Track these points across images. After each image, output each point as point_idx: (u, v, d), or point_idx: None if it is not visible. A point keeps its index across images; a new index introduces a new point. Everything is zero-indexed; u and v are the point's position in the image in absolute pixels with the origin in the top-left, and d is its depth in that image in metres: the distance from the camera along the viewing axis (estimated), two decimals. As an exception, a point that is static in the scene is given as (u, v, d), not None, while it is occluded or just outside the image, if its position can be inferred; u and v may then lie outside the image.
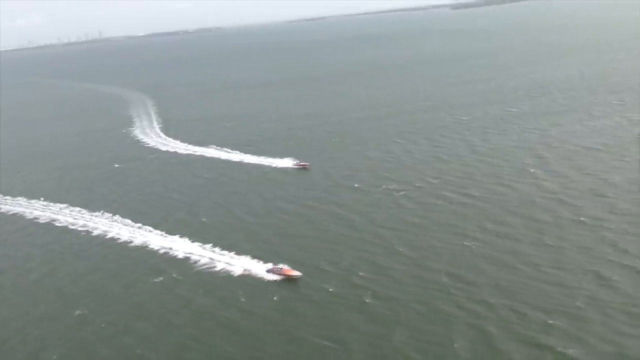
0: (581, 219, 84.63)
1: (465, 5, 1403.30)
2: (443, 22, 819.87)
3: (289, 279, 74.22)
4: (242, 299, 71.13)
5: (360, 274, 74.31)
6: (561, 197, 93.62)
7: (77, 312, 72.54)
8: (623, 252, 72.70)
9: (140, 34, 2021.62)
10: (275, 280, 74.60)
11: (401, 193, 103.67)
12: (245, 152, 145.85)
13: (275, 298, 70.65)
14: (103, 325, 68.41)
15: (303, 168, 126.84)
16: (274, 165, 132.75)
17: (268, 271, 76.05)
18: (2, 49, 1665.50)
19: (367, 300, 67.59)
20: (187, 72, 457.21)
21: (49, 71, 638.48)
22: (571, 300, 63.31)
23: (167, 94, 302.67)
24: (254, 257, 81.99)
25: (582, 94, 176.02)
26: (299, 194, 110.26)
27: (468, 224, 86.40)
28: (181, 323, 67.40)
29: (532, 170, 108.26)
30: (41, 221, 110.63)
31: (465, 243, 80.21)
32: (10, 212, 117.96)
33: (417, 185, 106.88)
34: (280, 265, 76.24)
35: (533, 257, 73.83)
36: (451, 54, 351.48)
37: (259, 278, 75.97)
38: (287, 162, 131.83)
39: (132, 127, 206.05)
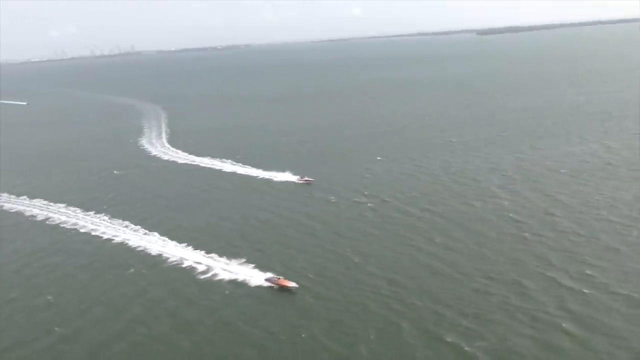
0: (524, 234, 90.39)
1: (492, 32, 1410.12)
2: (465, 47, 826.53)
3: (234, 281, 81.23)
4: (194, 291, 78.39)
5: (310, 276, 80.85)
6: (513, 215, 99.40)
7: (49, 297, 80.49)
8: (549, 265, 78.39)
9: (172, 49, 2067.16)
10: (222, 279, 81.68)
11: (368, 205, 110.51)
12: (247, 165, 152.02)
13: (227, 292, 77.66)
14: (65, 309, 76.12)
15: (307, 183, 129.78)
16: (275, 179, 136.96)
17: (267, 280, 79.28)
18: (35, 60, 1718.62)
19: (307, 299, 74.10)
20: (205, 85, 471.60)
21: (74, 82, 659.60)
22: (487, 304, 69.25)
23: (182, 106, 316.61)
24: (210, 252, 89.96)
25: (571, 121, 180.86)
26: (278, 203, 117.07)
27: (418, 236, 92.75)
28: (133, 310, 74.77)
29: (495, 190, 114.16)
30: (38, 219, 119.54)
31: (410, 252, 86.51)
32: (13, 210, 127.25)
33: (385, 199, 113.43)
34: (272, 275, 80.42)
35: (466, 267, 79.80)
36: (460, 77, 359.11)
37: (214, 277, 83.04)
38: (291, 177, 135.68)
39: (141, 136, 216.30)
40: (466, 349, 60.55)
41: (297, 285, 76.35)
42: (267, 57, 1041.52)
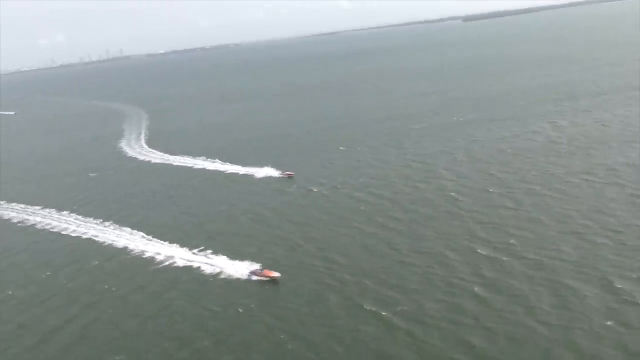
0: (459, 211, 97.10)
1: (478, 17, 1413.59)
2: (448, 35, 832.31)
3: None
4: (144, 278, 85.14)
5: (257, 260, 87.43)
6: (453, 194, 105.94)
7: (9, 292, 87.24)
8: (475, 237, 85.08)
9: (161, 51, 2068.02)
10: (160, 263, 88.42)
11: (315, 191, 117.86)
12: (228, 162, 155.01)
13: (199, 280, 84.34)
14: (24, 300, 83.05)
15: (288, 177, 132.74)
16: (256, 174, 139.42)
17: (252, 273, 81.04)
18: (25, 69, 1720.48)
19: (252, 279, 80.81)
20: (190, 86, 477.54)
21: (63, 90, 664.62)
22: (410, 275, 75.85)
23: (165, 107, 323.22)
24: (172, 242, 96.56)
25: (530, 103, 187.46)
26: (254, 198, 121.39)
27: (361, 218, 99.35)
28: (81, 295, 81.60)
29: (441, 171, 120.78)
30: (13, 221, 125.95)
31: (351, 233, 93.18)
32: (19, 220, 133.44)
33: (336, 186, 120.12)
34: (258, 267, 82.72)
35: (399, 244, 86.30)
36: (435, 65, 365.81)
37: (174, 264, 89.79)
38: (273, 172, 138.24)
39: (121, 139, 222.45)
40: (384, 314, 67.00)
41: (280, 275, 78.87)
42: (256, 55, 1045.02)
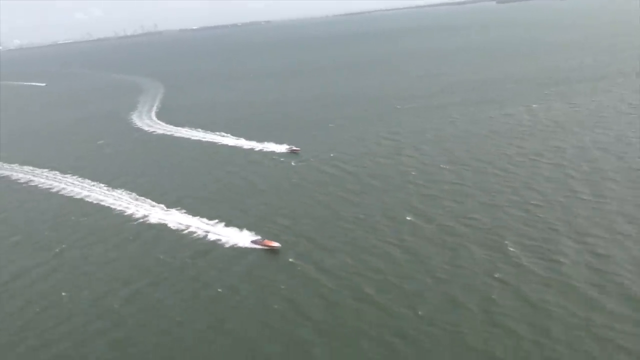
0: (409, 185, 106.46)
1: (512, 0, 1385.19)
2: (480, 16, 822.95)
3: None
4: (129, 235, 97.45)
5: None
6: (409, 169, 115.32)
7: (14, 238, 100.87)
8: (412, 208, 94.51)
9: (193, 27, 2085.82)
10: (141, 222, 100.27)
11: (292, 163, 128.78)
12: (237, 136, 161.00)
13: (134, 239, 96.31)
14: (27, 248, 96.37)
15: (294, 152, 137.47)
16: (265, 149, 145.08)
17: (253, 242, 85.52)
18: (62, 42, 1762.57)
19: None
20: (211, 63, 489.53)
21: (94, 63, 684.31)
22: (341, 236, 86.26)
23: (184, 83, 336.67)
24: (170, 207, 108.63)
25: (522, 87, 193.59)
26: (259, 170, 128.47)
27: (322, 188, 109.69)
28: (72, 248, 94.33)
29: (406, 150, 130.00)
30: (20, 181, 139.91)
31: (310, 202, 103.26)
32: (2, 175, 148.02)
33: (309, 159, 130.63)
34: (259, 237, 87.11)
35: (345, 212, 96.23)
36: (460, 47, 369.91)
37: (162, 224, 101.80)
38: (280, 147, 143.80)
39: (133, 111, 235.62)
40: (303, 267, 77.66)
41: (280, 245, 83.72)
42: (283, 32, 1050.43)
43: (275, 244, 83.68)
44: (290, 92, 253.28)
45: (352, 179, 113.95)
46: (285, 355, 59.18)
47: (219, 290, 73.52)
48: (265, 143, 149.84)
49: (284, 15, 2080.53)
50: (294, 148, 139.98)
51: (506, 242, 78.30)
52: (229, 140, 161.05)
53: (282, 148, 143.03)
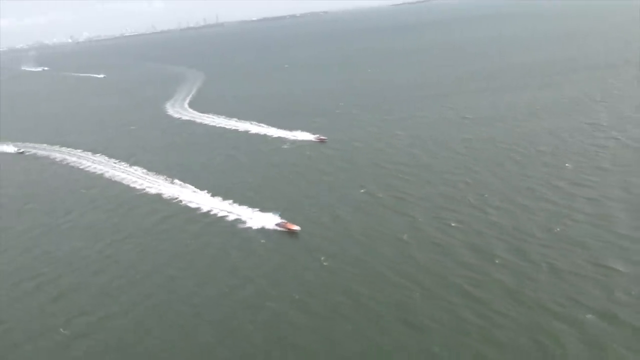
0: (379, 163, 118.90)
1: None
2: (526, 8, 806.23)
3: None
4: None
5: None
6: (387, 149, 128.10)
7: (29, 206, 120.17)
8: (373, 182, 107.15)
9: (254, 19, 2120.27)
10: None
11: (284, 146, 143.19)
12: (269, 125, 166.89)
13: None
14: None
15: (321, 141, 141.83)
16: (294, 137, 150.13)
17: (277, 225, 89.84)
18: (128, 34, 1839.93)
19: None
20: (259, 54, 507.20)
21: (153, 55, 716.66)
22: (304, 199, 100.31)
23: (226, 74, 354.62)
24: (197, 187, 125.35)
25: (524, 77, 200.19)
26: (283, 156, 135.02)
27: (303, 161, 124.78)
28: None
29: (393, 132, 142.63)
30: (57, 159, 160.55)
31: (273, 174, 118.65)
32: (40, 154, 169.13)
33: (300, 143, 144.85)
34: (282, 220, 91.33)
35: (309, 184, 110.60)
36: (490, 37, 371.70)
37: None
38: (308, 136, 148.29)
39: (169, 99, 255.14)
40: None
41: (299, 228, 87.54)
42: (335, 25, 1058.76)
43: (296, 227, 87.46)
44: (336, 82, 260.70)
45: (336, 155, 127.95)
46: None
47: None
48: (293, 131, 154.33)
49: (342, 6, 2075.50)
50: (322, 137, 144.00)
51: (438, 211, 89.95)
52: (257, 128, 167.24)
53: (311, 137, 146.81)
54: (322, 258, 78.10)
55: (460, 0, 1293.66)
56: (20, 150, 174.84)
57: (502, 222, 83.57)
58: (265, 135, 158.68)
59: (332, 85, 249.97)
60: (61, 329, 67.98)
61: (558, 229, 78.82)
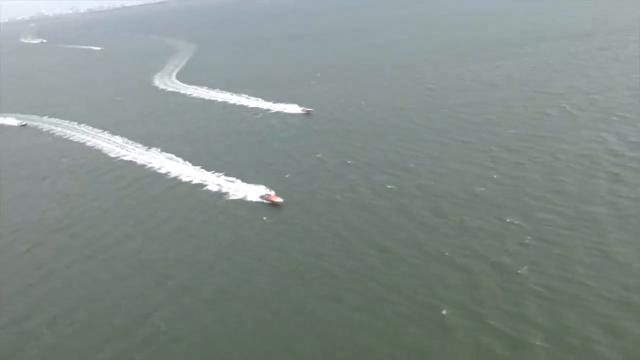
0: (375, 123, 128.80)
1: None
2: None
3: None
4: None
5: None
6: (372, 110, 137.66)
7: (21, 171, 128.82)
8: (347, 145, 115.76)
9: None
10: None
11: (273, 120, 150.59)
12: (255, 97, 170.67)
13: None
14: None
15: (307, 113, 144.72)
16: (282, 110, 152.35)
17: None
18: (128, 4, 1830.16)
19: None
20: (255, 27, 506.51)
21: (149, 26, 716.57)
22: (282, 162, 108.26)
23: (217, 46, 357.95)
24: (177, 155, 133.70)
25: (475, 50, 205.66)
26: (267, 130, 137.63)
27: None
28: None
29: (376, 96, 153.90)
30: (44, 129, 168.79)
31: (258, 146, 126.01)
32: (36, 126, 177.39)
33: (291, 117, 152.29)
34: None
35: (292, 163, 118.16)
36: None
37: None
38: (295, 108, 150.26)
39: (159, 71, 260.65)
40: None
41: (282, 200, 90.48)
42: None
43: (279, 199, 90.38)
44: (321, 54, 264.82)
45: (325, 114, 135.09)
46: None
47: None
48: (279, 104, 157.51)
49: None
50: (307, 109, 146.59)
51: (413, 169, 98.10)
52: (240, 99, 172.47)
53: (297, 109, 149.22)
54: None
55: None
56: (24, 123, 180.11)
57: (431, 184, 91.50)
58: (249, 107, 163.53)
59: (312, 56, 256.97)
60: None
61: (479, 190, 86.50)
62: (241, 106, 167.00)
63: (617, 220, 72.99)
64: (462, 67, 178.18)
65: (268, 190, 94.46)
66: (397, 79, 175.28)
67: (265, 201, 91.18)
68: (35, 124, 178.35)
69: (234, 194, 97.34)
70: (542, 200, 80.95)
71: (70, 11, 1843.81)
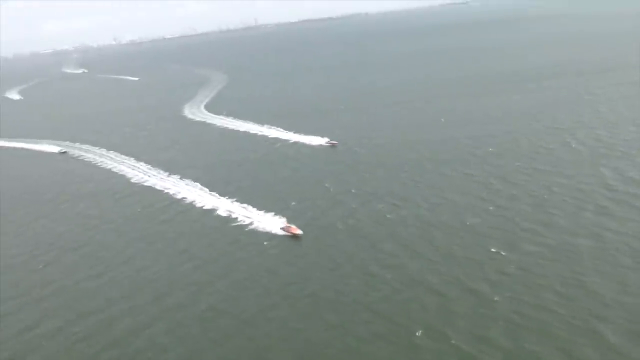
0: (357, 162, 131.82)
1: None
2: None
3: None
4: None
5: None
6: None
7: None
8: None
9: (292, 20, 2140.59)
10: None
11: (293, 151, 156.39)
12: (280, 127, 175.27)
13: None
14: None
15: (332, 145, 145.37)
16: (305, 142, 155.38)
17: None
18: (168, 36, 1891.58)
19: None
20: (287, 57, 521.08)
21: (185, 57, 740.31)
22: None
23: (249, 77, 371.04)
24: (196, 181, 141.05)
25: (489, 83, 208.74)
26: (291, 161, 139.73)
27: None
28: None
29: (368, 137, 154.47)
30: (75, 155, 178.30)
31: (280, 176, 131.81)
32: (70, 152, 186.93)
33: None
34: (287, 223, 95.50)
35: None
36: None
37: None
38: (319, 140, 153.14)
39: (189, 101, 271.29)
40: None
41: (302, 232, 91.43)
42: (374, 26, 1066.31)
43: (299, 231, 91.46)
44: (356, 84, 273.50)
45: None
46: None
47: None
48: (305, 135, 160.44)
49: (384, 7, 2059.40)
50: (332, 141, 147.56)
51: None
52: (264, 129, 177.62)
53: (321, 141, 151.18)
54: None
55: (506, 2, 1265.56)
56: (64, 150, 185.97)
57: (427, 214, 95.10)
58: (273, 138, 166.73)
59: (337, 87, 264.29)
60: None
61: (471, 220, 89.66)
62: (263, 136, 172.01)
63: (599, 252, 75.09)
64: (474, 99, 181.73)
65: (286, 222, 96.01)
66: (416, 111, 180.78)
67: (286, 233, 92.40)
68: (69, 150, 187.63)
69: (243, 220, 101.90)
70: (530, 231, 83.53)
71: (113, 42, 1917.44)
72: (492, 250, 79.21)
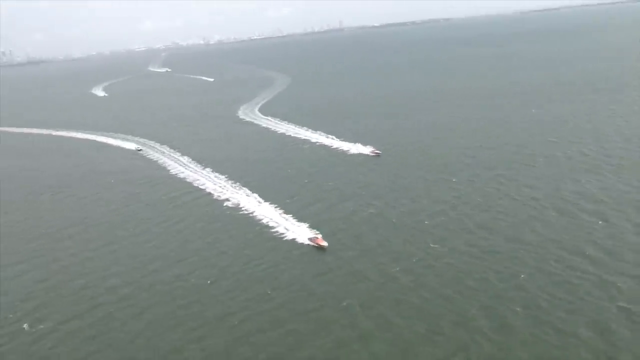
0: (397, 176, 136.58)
1: None
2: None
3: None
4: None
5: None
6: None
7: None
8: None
9: (375, 24, 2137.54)
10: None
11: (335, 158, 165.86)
12: (329, 134, 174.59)
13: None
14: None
15: (376, 155, 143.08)
16: (348, 150, 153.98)
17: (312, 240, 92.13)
18: (256, 37, 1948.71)
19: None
20: (357, 60, 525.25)
21: (263, 58, 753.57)
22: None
23: (312, 80, 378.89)
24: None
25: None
26: (331, 169, 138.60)
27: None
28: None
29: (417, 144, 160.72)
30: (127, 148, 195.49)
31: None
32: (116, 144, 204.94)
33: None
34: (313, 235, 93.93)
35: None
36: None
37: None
38: (362, 148, 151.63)
39: (245, 102, 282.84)
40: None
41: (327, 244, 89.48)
42: (456, 32, 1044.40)
43: (324, 243, 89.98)
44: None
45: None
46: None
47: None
48: (350, 143, 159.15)
49: (467, 13, 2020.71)
50: (376, 150, 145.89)
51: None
52: (317, 137, 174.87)
53: (365, 150, 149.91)
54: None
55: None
56: (140, 148, 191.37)
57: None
58: (314, 144, 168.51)
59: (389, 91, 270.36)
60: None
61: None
62: (311, 143, 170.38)
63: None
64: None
65: (315, 232, 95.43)
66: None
67: (312, 244, 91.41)
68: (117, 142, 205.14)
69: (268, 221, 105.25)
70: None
71: (202, 42, 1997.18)
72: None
